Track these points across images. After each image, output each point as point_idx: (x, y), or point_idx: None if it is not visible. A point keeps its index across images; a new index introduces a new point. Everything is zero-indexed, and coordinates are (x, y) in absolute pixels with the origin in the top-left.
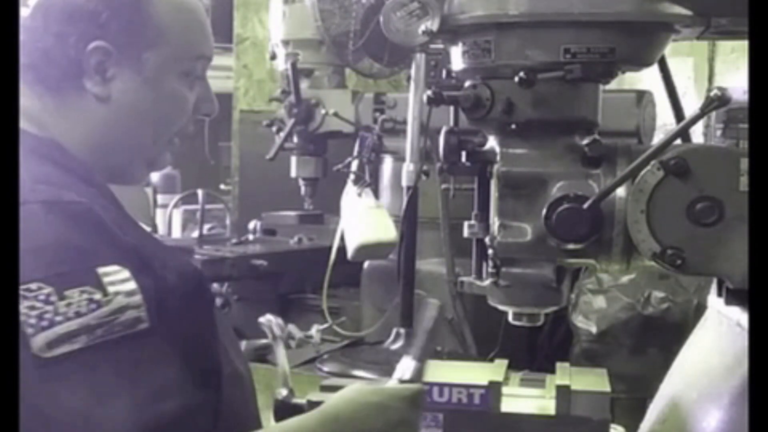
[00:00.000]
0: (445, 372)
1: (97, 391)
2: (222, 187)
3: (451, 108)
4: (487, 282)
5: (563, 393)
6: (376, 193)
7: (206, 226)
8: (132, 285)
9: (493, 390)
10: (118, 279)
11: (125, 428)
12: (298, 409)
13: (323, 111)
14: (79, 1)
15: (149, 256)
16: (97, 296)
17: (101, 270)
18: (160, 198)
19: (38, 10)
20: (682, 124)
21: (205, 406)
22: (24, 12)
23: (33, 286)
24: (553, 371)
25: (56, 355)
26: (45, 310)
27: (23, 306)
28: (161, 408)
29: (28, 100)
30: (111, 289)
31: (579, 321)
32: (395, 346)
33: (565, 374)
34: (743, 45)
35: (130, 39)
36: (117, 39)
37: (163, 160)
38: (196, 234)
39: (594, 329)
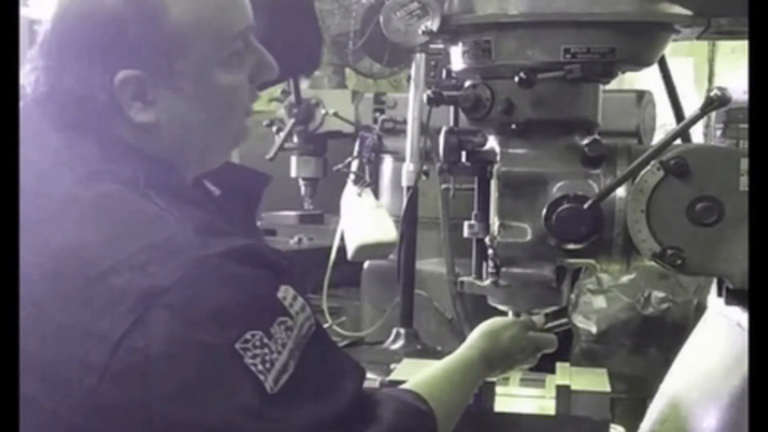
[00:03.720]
0: None
1: (315, 396)
2: None
3: (451, 108)
4: (487, 282)
5: (563, 393)
6: (376, 193)
7: None
8: (301, 300)
9: (487, 389)
10: (290, 297)
11: (346, 411)
12: None
13: (323, 111)
14: (92, 36)
15: (287, 265)
16: (289, 322)
17: (280, 296)
18: None
19: (49, 50)
20: (682, 124)
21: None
22: (25, 12)
23: (248, 335)
24: (553, 371)
25: (281, 386)
26: (264, 353)
27: (247, 357)
28: (354, 385)
29: (80, 150)
30: (291, 311)
31: (579, 321)
32: (395, 346)
33: (565, 374)
34: (743, 45)
35: (155, 55)
36: (142, 60)
37: (244, 134)
38: None
39: (594, 329)
